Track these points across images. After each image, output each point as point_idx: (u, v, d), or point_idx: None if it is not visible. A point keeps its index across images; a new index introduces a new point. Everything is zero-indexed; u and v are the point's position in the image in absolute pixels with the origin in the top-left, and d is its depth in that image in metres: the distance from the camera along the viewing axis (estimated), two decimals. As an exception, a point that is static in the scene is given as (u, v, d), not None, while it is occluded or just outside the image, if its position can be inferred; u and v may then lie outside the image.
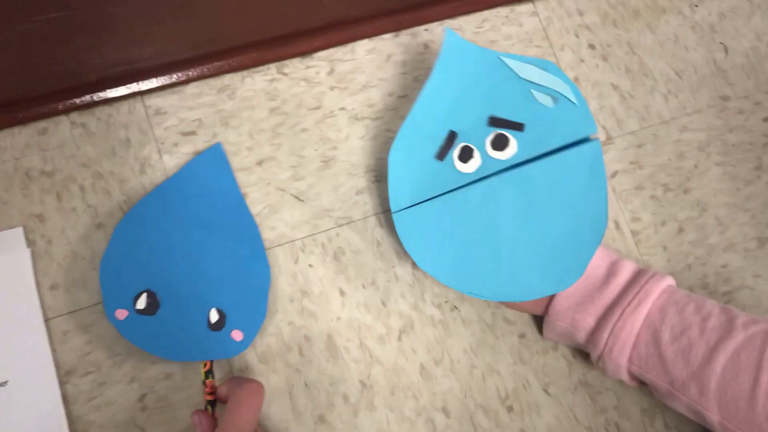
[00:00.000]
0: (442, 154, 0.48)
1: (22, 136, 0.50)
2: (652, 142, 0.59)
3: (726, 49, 0.63)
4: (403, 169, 0.48)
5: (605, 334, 0.47)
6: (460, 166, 0.48)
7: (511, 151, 0.48)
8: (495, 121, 0.49)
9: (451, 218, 0.48)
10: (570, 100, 0.49)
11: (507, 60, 0.49)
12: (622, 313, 0.47)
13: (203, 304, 0.47)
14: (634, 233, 0.57)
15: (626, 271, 0.49)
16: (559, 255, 0.48)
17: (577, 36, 0.60)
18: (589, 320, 0.48)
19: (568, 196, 0.48)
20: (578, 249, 0.48)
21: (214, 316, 0.47)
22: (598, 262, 0.50)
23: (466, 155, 0.48)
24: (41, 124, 0.51)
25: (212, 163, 0.51)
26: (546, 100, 0.49)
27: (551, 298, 0.50)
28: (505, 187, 0.48)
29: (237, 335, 0.47)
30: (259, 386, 0.44)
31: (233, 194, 0.50)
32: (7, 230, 0.49)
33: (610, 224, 0.57)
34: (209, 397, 0.46)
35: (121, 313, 0.46)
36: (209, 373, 0.47)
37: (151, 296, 0.46)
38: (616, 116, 0.59)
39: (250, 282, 0.48)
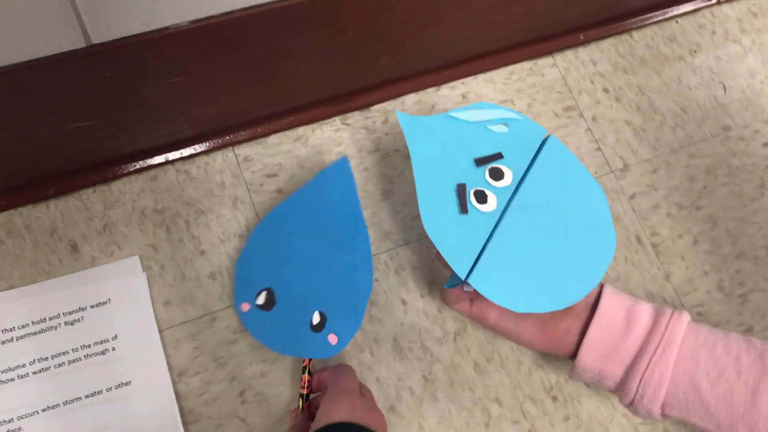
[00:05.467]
0: (464, 206, 0.53)
1: (138, 182, 0.61)
2: (664, 168, 0.68)
3: (724, 87, 0.73)
4: (446, 237, 0.52)
5: (635, 384, 0.49)
6: (483, 208, 0.54)
7: (509, 175, 0.55)
8: (480, 161, 0.55)
9: (506, 264, 0.52)
10: (515, 119, 0.57)
11: (455, 114, 0.57)
12: (649, 362, 0.49)
13: (309, 306, 0.54)
14: (654, 246, 0.65)
15: (645, 315, 0.51)
16: (584, 246, 0.53)
17: (592, 82, 0.71)
18: (616, 371, 0.51)
19: (566, 196, 0.54)
20: (594, 225, 0.54)
21: (316, 318, 0.54)
22: (615, 309, 0.52)
23: (481, 198, 0.54)
24: (153, 173, 0.62)
25: (338, 175, 0.58)
26: (501, 128, 0.57)
27: (576, 347, 0.52)
28: (522, 216, 0.54)
29: (332, 339, 0.54)
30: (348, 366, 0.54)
31: (353, 205, 0.57)
32: (127, 258, 0.59)
33: (633, 239, 0.65)
34: (303, 391, 0.54)
35: (245, 306, 0.55)
36: (306, 369, 0.54)
37: (270, 294, 0.55)
38: (631, 147, 0.69)
39: (352, 290, 0.55)
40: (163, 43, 0.50)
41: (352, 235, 0.57)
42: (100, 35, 0.47)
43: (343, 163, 0.59)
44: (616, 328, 0.51)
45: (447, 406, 0.59)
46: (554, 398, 0.60)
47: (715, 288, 0.65)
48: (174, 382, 0.56)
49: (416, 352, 0.60)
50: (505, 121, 0.58)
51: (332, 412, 0.47)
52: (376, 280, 0.61)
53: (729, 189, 0.68)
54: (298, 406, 0.54)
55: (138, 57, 0.50)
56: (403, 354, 0.59)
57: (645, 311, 0.51)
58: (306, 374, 0.54)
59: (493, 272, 0.51)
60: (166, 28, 0.49)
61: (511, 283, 0.52)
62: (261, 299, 0.55)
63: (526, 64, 0.70)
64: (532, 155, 0.56)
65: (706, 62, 0.73)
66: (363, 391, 0.53)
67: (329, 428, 0.45)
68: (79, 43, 0.47)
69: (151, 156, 0.61)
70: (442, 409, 0.58)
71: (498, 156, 0.56)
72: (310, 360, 0.54)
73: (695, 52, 0.74)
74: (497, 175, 0.55)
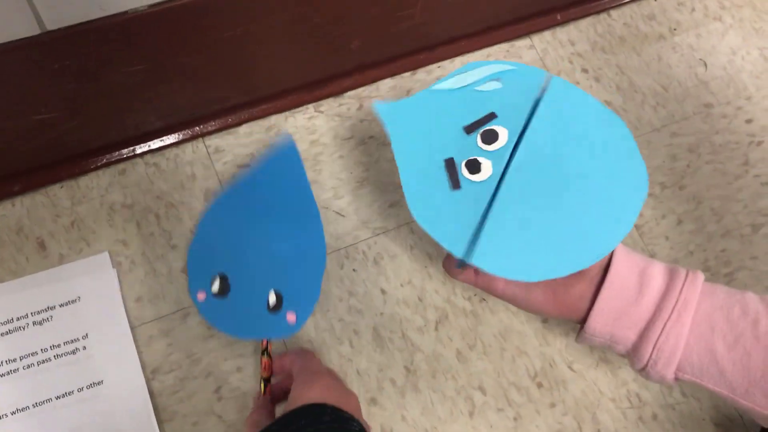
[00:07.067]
0: (455, 182, 0.49)
1: (105, 176, 0.60)
2: (646, 147, 0.67)
3: (705, 64, 0.71)
4: (436, 218, 0.48)
5: (648, 349, 0.47)
6: (476, 178, 0.49)
7: (504, 135, 0.49)
8: (470, 128, 0.50)
9: (513, 232, 0.47)
10: (509, 70, 0.52)
11: (438, 86, 0.52)
12: (663, 327, 0.47)
13: (264, 287, 0.52)
14: (637, 227, 0.64)
15: (658, 277, 0.48)
16: (608, 192, 0.49)
17: (570, 62, 0.69)
18: (629, 335, 0.48)
19: (579, 140, 0.49)
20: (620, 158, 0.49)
21: (272, 298, 0.52)
22: (627, 271, 0.49)
23: (473, 168, 0.49)
24: (121, 166, 0.60)
25: (283, 153, 0.57)
26: (492, 85, 0.51)
27: (589, 312, 0.49)
28: (527, 174, 0.48)
29: (291, 317, 0.52)
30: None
31: (300, 180, 0.56)
32: (96, 255, 0.58)
33: (616, 220, 0.64)
34: (264, 374, 0.52)
35: (201, 295, 0.52)
36: (265, 351, 0.52)
37: (224, 280, 0.52)
38: (612, 127, 0.67)
39: (306, 266, 0.53)
40: (123, 29, 0.48)
41: (301, 213, 0.55)
42: (54, 21, 0.45)
43: (286, 140, 0.57)
44: (629, 291, 0.48)
45: (430, 396, 0.57)
46: (539, 385, 0.58)
47: (701, 268, 0.63)
48: (148, 380, 0.55)
49: (397, 342, 0.58)
50: (496, 77, 0.52)
51: (306, 393, 0.45)
52: (354, 270, 0.60)
53: (712, 167, 0.67)
54: (260, 390, 0.52)
55: (97, 44, 0.49)
56: (383, 344, 0.58)
57: (658, 273, 0.49)
58: (265, 357, 0.52)
59: (498, 245, 0.46)
60: (125, 12, 0.47)
61: (521, 252, 0.47)
62: (215, 286, 0.53)
63: (503, 46, 0.69)
64: (531, 105, 0.50)
65: (687, 40, 0.72)
66: (331, 374, 0.51)
67: (303, 409, 0.43)
68: (33, 30, 0.45)
69: (119, 149, 0.60)
70: (425, 399, 0.57)
71: (491, 117, 0.50)
72: (268, 342, 0.53)
73: (675, 30, 0.72)
74: (490, 138, 0.49)
